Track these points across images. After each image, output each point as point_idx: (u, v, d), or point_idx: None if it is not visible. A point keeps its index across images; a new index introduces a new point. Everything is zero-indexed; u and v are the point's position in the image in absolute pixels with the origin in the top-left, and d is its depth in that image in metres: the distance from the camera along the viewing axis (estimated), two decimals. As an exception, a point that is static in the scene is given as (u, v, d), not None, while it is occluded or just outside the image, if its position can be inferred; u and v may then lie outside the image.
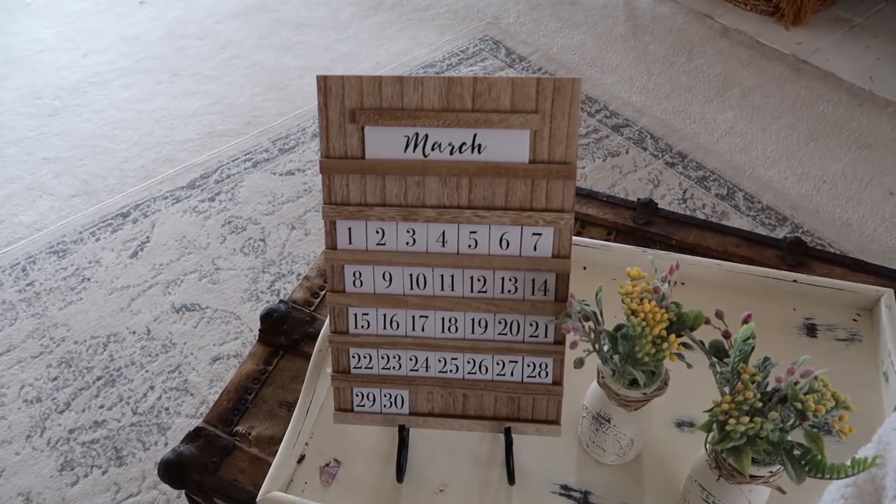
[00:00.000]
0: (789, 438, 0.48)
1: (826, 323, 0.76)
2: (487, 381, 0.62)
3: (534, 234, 0.57)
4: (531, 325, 0.60)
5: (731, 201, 1.73)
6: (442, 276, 0.59)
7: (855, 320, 0.76)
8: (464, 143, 0.56)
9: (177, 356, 1.40)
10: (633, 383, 0.56)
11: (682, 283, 0.81)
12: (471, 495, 0.67)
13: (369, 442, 0.69)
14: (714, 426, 0.50)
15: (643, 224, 0.89)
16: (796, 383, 0.49)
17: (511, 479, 0.64)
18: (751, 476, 0.51)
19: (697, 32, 2.21)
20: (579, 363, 0.54)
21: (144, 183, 1.76)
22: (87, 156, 1.85)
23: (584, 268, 0.83)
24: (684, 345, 0.54)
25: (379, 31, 2.22)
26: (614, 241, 0.88)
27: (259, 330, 0.78)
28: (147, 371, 1.37)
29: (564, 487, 0.67)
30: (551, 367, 0.61)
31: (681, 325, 0.54)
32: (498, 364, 0.61)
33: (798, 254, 0.84)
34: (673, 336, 0.52)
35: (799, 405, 0.47)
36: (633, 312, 0.52)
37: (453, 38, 2.19)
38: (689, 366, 0.56)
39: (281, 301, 0.80)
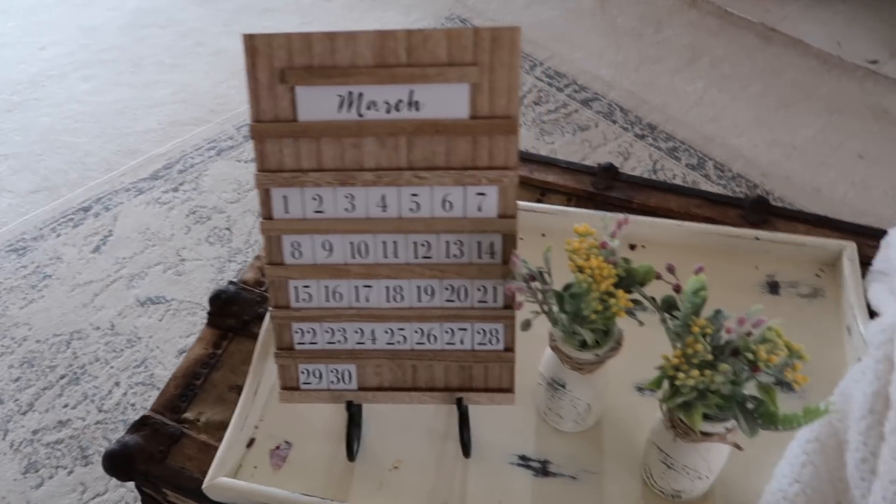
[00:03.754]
0: (743, 391, 0.47)
1: (789, 280, 0.75)
2: (437, 351, 0.60)
3: (477, 193, 0.55)
4: (479, 289, 0.57)
5: (701, 171, 1.71)
6: (384, 242, 0.57)
7: (818, 276, 0.75)
8: (400, 101, 0.53)
9: (142, 350, 1.36)
10: (585, 345, 0.54)
11: (644, 247, 0.79)
12: (426, 470, 0.65)
13: (322, 422, 0.67)
14: (665, 382, 0.48)
15: (603, 189, 0.87)
16: (749, 334, 0.47)
17: (466, 451, 0.62)
18: (705, 434, 0.50)
19: (665, 4, 2.19)
20: (526, 325, 0.52)
21: (106, 176, 1.72)
22: (47, 150, 1.80)
23: (543, 234, 0.81)
24: (635, 301, 0.52)
25: (344, 13, 2.18)
26: (575, 206, 0.86)
27: (207, 313, 0.75)
28: (112, 367, 1.34)
29: (523, 458, 0.65)
30: (502, 332, 0.59)
31: (630, 281, 0.52)
32: (447, 332, 0.59)
33: (760, 212, 0.82)
34: (621, 291, 0.49)
35: (750, 356, 0.45)
36: (580, 269, 0.50)
37: (420, 18, 2.16)
38: (641, 323, 0.54)
39: (230, 282, 0.78)
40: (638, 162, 1.76)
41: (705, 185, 1.69)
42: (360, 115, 0.54)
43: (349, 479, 0.65)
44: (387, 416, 0.68)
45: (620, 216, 0.52)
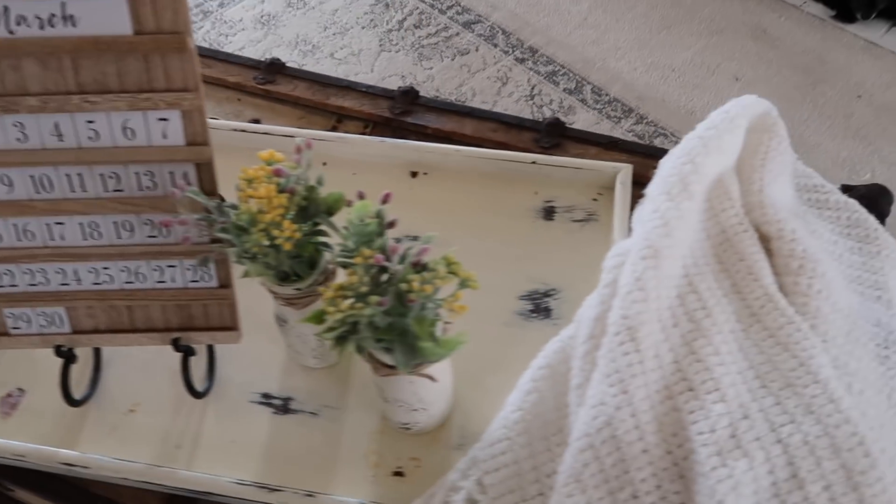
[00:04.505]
0: (406, 323, 0.44)
1: (566, 205, 0.73)
2: (148, 290, 0.56)
3: (159, 119, 0.50)
4: (181, 224, 0.53)
5: (578, 95, 1.68)
6: (69, 175, 0.52)
7: (595, 200, 0.73)
8: (53, 15, 0.47)
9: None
10: (288, 278, 0.51)
11: (426, 174, 0.76)
12: (163, 412, 0.62)
13: (58, 366, 0.63)
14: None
15: (399, 114, 0.82)
16: (419, 264, 0.45)
17: (192, 393, 0.59)
18: (389, 366, 0.48)
19: (556, -82, 2.10)
20: (203, 261, 0.49)
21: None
22: None
23: (325, 164, 0.77)
24: (317, 232, 0.49)
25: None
26: (371, 134, 0.81)
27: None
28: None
29: (265, 396, 0.63)
30: (213, 269, 0.55)
31: (315, 210, 0.49)
32: (155, 270, 0.55)
33: (554, 135, 0.80)
34: (287, 223, 0.46)
35: (404, 286, 0.42)
36: (250, 199, 0.46)
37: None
38: (330, 249, 0.50)
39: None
40: (516, 87, 1.71)
41: (581, 110, 1.66)
42: (11, 32, 0.48)
43: (82, 423, 0.62)
44: (130, 357, 0.65)
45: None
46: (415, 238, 0.71)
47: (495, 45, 1.79)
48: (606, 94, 1.68)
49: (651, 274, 0.55)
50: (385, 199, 0.47)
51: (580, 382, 0.55)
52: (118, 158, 0.51)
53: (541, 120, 0.81)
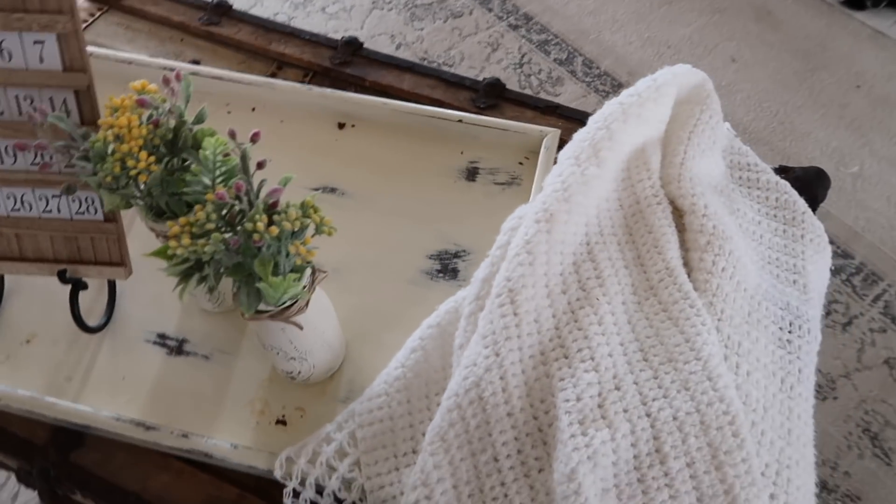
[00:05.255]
0: (251, 264, 0.43)
1: (490, 167, 0.71)
2: (34, 219, 0.55)
3: (35, 42, 0.49)
4: (62, 153, 0.52)
5: (568, 66, 1.64)
6: (-51, 94, 0.51)
7: (521, 164, 0.71)
8: (-74, -74, 0.46)
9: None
10: (163, 215, 0.50)
11: (353, 126, 0.74)
12: (59, 344, 0.62)
13: (-43, 292, 0.63)
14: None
15: (339, 64, 0.80)
16: (275, 205, 0.43)
17: (82, 327, 0.59)
18: (258, 311, 0.47)
19: None
20: (67, 189, 0.48)
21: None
22: None
23: (253, 109, 0.76)
24: (185, 169, 0.48)
25: None
26: (310, 83, 0.80)
27: None
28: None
29: (161, 336, 0.62)
30: (98, 201, 0.54)
31: (182, 143, 0.47)
32: (41, 200, 0.55)
33: (492, 96, 0.77)
34: (144, 153, 0.45)
35: (250, 226, 0.41)
36: (111, 127, 0.45)
37: None
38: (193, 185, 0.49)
39: None
40: (506, 54, 1.68)
41: (569, 82, 1.63)
42: None
43: (-26, 351, 0.62)
44: (35, 287, 0.64)
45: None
46: (332, 190, 0.71)
47: (490, 10, 1.75)
48: (597, 68, 1.64)
49: (542, 238, 0.53)
50: (253, 138, 0.45)
51: (462, 343, 0.54)
52: (-4, 80, 0.50)
53: (481, 80, 0.79)
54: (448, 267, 0.65)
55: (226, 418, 0.59)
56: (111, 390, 0.60)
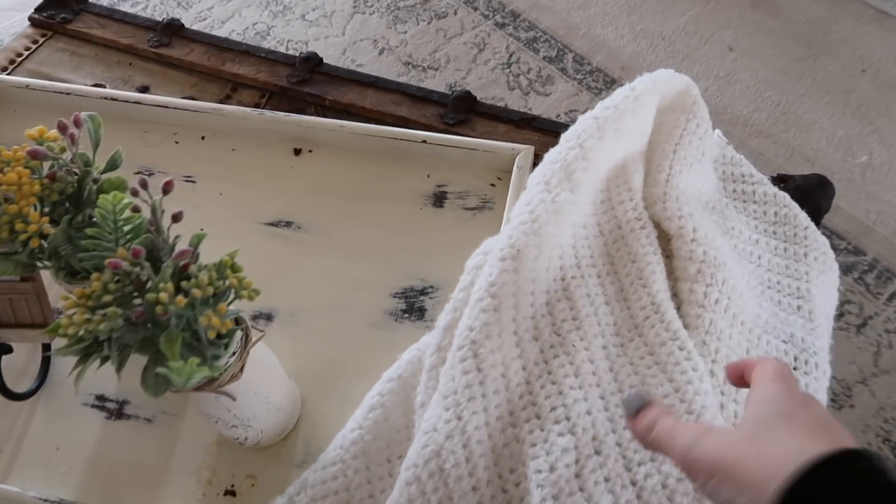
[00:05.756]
0: (152, 339, 0.37)
1: (459, 190, 0.65)
2: (-57, 281, 0.50)
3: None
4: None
5: (559, 64, 1.57)
6: None
7: (493, 185, 0.65)
8: None
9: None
10: (77, 275, 0.45)
11: (311, 151, 0.68)
12: (-13, 414, 0.57)
13: None
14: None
15: (296, 83, 0.74)
16: (186, 268, 0.37)
17: (7, 395, 0.53)
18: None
19: None
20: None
21: None
22: None
23: (203, 137, 0.70)
24: (91, 224, 0.42)
25: None
26: (267, 104, 0.74)
27: None
28: None
29: (100, 398, 0.57)
30: (10, 259, 0.49)
31: (87, 197, 0.41)
32: (-52, 259, 0.49)
33: (462, 111, 0.71)
34: (35, 214, 0.39)
35: (152, 296, 0.35)
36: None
37: None
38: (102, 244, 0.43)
39: None
40: (493, 54, 1.61)
41: (560, 80, 1.56)
42: None
43: None
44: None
45: (76, 114, 0.41)
46: (287, 224, 0.65)
47: (475, 9, 1.69)
48: (588, 64, 1.57)
49: (509, 278, 0.47)
50: (165, 189, 0.39)
51: (423, 401, 0.48)
52: None
53: (450, 93, 0.73)
54: (414, 306, 0.59)
55: (170, 489, 0.53)
56: (44, 463, 0.55)
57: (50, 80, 0.74)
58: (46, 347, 0.58)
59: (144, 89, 0.76)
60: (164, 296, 0.35)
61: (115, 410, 0.56)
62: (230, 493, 0.52)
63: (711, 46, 1.59)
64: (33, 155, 0.40)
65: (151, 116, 0.70)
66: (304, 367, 0.56)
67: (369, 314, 0.59)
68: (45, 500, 0.50)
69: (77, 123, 0.40)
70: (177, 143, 0.70)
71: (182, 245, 0.39)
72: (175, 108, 0.69)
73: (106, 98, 0.70)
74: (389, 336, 0.58)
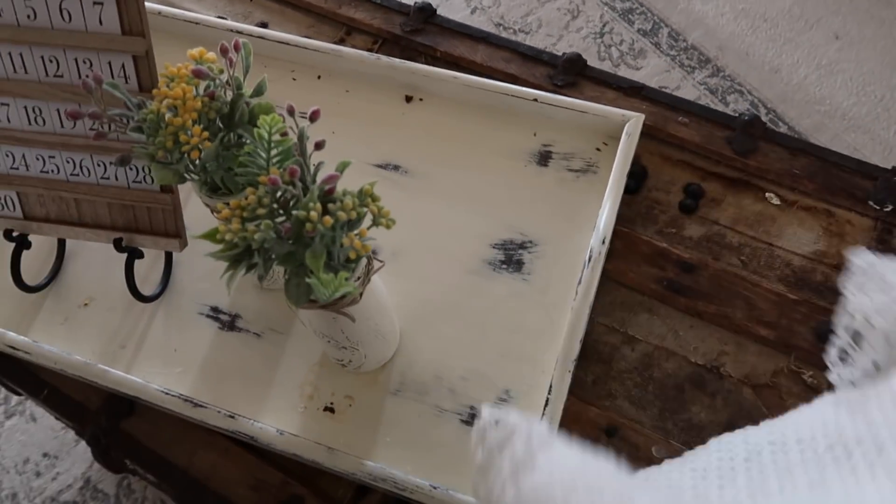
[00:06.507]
0: (302, 254, 0.40)
1: (564, 151, 0.66)
2: (92, 185, 0.54)
3: (95, 3, 0.47)
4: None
5: (652, 38, 1.54)
6: (10, 54, 0.50)
7: (599, 150, 0.66)
8: None
9: None
10: (217, 190, 0.48)
11: (421, 99, 0.70)
12: (114, 310, 0.62)
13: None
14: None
15: (409, 32, 0.76)
16: (331, 192, 0.40)
17: (136, 296, 0.58)
18: (311, 300, 0.44)
19: None
20: (121, 161, 0.46)
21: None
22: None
23: (319, 77, 0.72)
24: (241, 145, 0.45)
25: None
26: (379, 51, 0.76)
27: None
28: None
29: (214, 309, 0.61)
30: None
31: (239, 118, 0.45)
32: (99, 166, 0.53)
33: (571, 73, 0.72)
34: (197, 128, 0.42)
35: (303, 213, 0.38)
36: (165, 98, 0.43)
37: None
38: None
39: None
40: (586, 22, 1.59)
41: (652, 55, 1.53)
42: None
43: (35, 312, 0.62)
44: (96, 252, 0.64)
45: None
46: (395, 168, 0.67)
47: (572, -25, 1.66)
48: (684, 41, 1.54)
49: None
50: (312, 117, 0.42)
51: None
52: (54, 41, 0.49)
53: (560, 55, 0.73)
54: (513, 258, 0.61)
55: (274, 400, 0.57)
56: (163, 362, 0.59)
57: (176, 9, 0.78)
58: (169, 257, 0.62)
59: (263, 25, 0.79)
60: (314, 214, 0.38)
61: (228, 322, 0.61)
62: (329, 409, 0.56)
63: (816, 32, 1.53)
64: (197, 74, 0.43)
65: (272, 52, 0.73)
66: (404, 305, 0.59)
67: (468, 261, 0.61)
68: (167, 392, 0.55)
69: (237, 48, 0.43)
70: (294, 80, 0.73)
71: (326, 170, 0.41)
72: (295, 46, 0.72)
73: (230, 31, 0.73)
74: (485, 284, 0.60)
